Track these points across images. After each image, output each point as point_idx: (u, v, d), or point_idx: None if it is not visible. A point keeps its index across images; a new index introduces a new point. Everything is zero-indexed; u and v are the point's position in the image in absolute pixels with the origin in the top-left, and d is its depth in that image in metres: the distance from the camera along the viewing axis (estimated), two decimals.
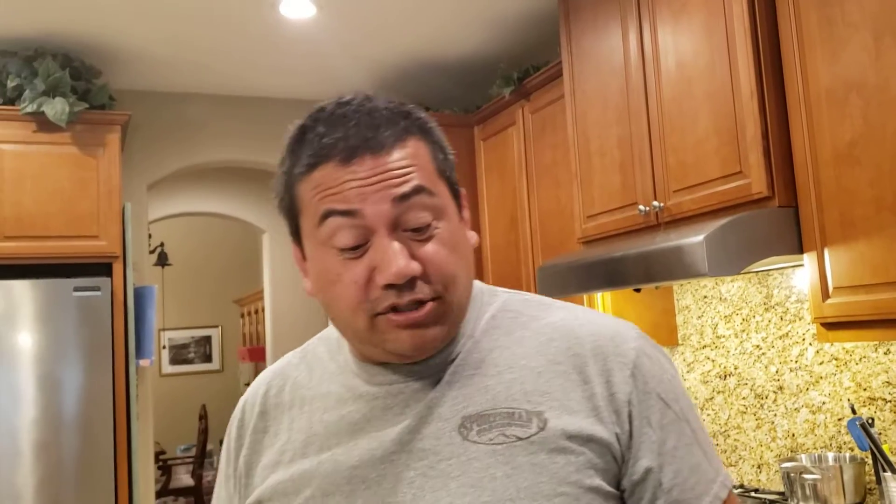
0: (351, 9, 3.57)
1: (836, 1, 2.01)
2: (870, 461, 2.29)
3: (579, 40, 3.00)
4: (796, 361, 2.59)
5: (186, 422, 8.89)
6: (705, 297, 2.98)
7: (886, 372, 2.30)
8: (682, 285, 3.07)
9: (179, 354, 9.65)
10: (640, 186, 2.65)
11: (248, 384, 8.56)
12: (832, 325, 2.07)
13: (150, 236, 4.69)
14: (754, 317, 2.76)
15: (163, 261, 8.14)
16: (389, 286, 0.85)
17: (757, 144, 2.18)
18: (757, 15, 2.22)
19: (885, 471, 2.15)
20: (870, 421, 2.23)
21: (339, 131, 0.87)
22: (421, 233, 0.87)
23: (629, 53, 2.71)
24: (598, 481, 0.86)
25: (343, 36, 3.87)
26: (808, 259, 2.12)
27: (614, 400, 0.88)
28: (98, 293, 3.63)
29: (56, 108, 3.61)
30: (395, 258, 0.84)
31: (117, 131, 3.82)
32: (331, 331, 1.03)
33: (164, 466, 7.92)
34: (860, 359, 2.38)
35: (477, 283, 0.99)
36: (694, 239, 2.14)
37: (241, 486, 0.99)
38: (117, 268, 3.74)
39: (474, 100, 4.41)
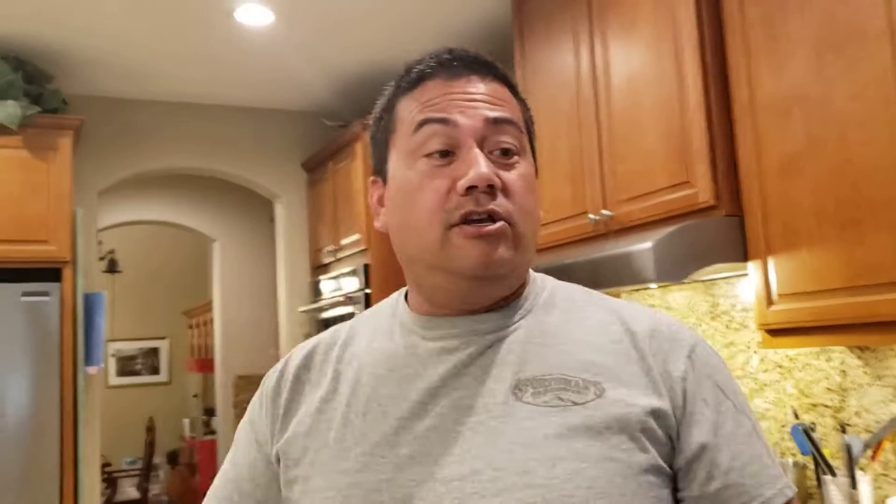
0: (308, 17, 3.59)
1: (780, 17, 2.09)
2: (811, 465, 2.36)
3: (532, 54, 3.06)
4: (742, 369, 2.66)
5: (133, 434, 8.76)
6: (652, 305, 3.04)
7: (827, 378, 2.37)
8: (629, 294, 3.13)
9: (127, 366, 9.50)
10: (589, 196, 2.70)
11: (196, 395, 8.46)
12: (776, 332, 2.14)
13: (100, 243, 4.64)
14: (700, 325, 2.82)
15: (112, 268, 8.03)
16: (470, 189, 0.87)
17: (703, 155, 2.25)
18: (705, 30, 2.28)
19: (825, 474, 2.21)
20: (812, 426, 2.30)
21: (447, 55, 0.95)
22: (507, 157, 0.91)
23: (580, 66, 2.77)
24: (650, 456, 0.85)
25: (300, 45, 3.88)
26: (753, 267, 2.18)
27: (669, 377, 0.89)
28: (47, 298, 3.59)
29: (8, 110, 3.57)
30: (479, 164, 0.88)
31: (69, 136, 3.78)
32: (384, 301, 1.06)
33: (110, 479, 7.80)
34: (803, 366, 2.45)
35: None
36: (642, 246, 2.19)
37: (276, 430, 0.98)
38: (67, 273, 3.70)
39: None
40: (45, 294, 3.59)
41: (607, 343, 0.92)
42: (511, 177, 0.91)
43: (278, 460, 0.97)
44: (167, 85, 4.40)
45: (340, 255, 4.45)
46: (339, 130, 4.56)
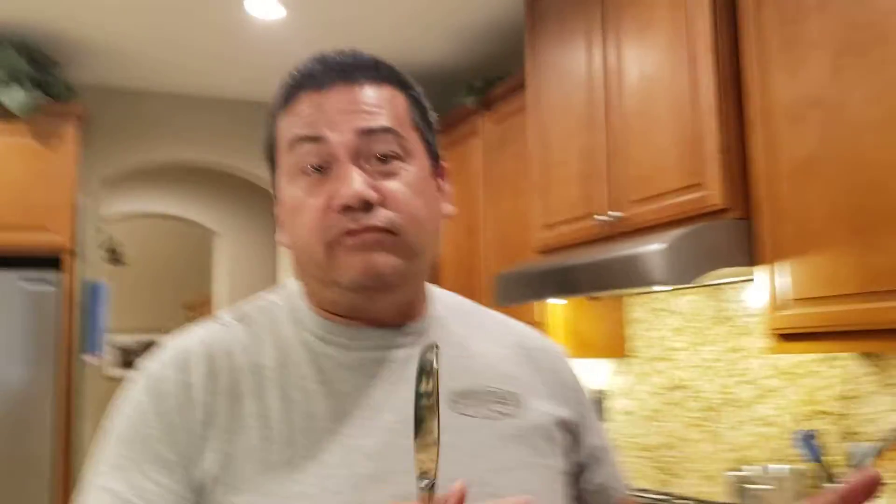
0: (318, 11, 3.57)
1: (798, 20, 2.07)
2: (815, 473, 2.33)
3: (544, 52, 3.04)
4: (745, 375, 2.64)
5: None
6: (656, 309, 3.02)
7: (833, 385, 2.35)
8: (633, 297, 3.11)
9: (126, 358, 9.47)
10: (598, 197, 2.68)
11: None
12: (784, 337, 2.11)
13: (102, 233, 4.62)
14: (706, 330, 2.80)
15: (116, 258, 8.00)
16: (346, 209, 0.85)
17: (716, 157, 2.23)
18: (719, 32, 2.26)
19: (830, 482, 2.19)
20: (816, 434, 2.28)
21: (318, 66, 0.91)
22: (385, 164, 0.88)
23: (593, 66, 2.75)
24: (562, 460, 0.96)
25: (310, 39, 3.86)
26: (763, 270, 2.16)
27: (566, 387, 1.01)
28: (47, 287, 3.56)
29: (13, 96, 3.54)
30: (352, 181, 0.85)
31: (74, 124, 3.76)
32: (272, 300, 0.98)
33: None
34: (808, 373, 2.43)
35: None
36: (653, 247, 2.17)
37: (198, 451, 0.83)
38: (68, 262, 3.67)
39: (436, 108, 4.41)
40: (46, 282, 3.56)
41: (510, 354, 0.99)
42: (392, 185, 0.87)
43: (198, 488, 0.83)
44: (174, 76, 4.38)
45: None
46: None
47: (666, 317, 2.98)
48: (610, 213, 2.60)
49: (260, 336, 0.92)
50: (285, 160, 0.91)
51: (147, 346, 9.53)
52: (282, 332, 0.93)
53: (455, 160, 3.85)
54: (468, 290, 3.58)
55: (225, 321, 0.95)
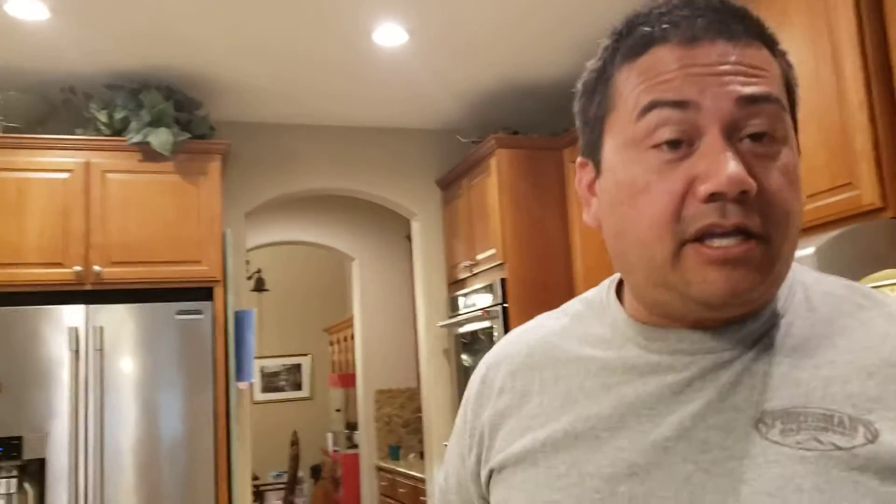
0: (442, 34, 3.61)
1: None
2: None
3: None
4: None
5: (277, 448, 9.02)
6: None
7: None
8: None
9: (271, 382, 9.80)
10: None
11: (339, 410, 8.63)
12: None
13: (247, 263, 4.81)
14: None
15: (260, 286, 8.32)
16: (714, 197, 0.67)
17: (868, 155, 2.12)
18: (864, 23, 2.16)
19: None
20: None
21: (685, 10, 0.71)
22: (763, 145, 0.70)
23: None
24: None
25: (434, 62, 3.91)
26: None
27: None
28: (200, 316, 3.72)
29: (160, 137, 3.74)
30: (727, 161, 0.67)
31: (218, 160, 3.93)
32: (594, 292, 0.89)
33: (258, 492, 8.05)
34: None
35: None
36: (803, 252, 2.08)
37: (483, 447, 0.87)
38: (218, 292, 3.83)
39: (563, 122, 4.40)
40: (199, 312, 3.73)
41: (883, 366, 0.70)
42: (770, 175, 0.69)
43: (486, 480, 0.87)
44: (308, 109, 4.52)
45: (476, 270, 4.45)
46: (473, 147, 4.57)
47: None
48: None
49: (572, 332, 0.86)
50: (627, 127, 0.73)
51: (290, 370, 9.85)
52: (588, 329, 0.85)
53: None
54: None
55: (556, 314, 0.92)
